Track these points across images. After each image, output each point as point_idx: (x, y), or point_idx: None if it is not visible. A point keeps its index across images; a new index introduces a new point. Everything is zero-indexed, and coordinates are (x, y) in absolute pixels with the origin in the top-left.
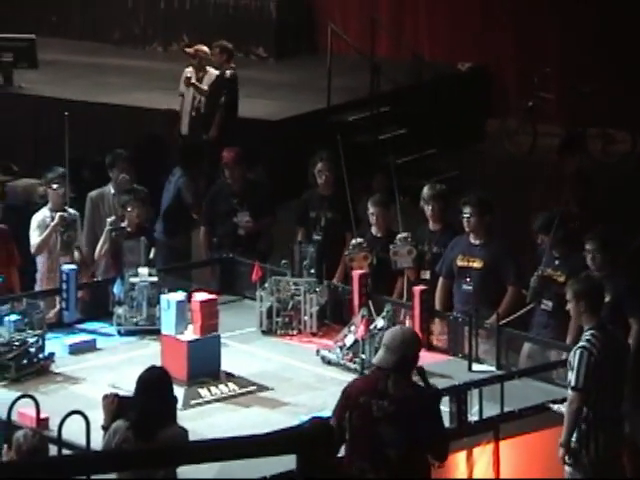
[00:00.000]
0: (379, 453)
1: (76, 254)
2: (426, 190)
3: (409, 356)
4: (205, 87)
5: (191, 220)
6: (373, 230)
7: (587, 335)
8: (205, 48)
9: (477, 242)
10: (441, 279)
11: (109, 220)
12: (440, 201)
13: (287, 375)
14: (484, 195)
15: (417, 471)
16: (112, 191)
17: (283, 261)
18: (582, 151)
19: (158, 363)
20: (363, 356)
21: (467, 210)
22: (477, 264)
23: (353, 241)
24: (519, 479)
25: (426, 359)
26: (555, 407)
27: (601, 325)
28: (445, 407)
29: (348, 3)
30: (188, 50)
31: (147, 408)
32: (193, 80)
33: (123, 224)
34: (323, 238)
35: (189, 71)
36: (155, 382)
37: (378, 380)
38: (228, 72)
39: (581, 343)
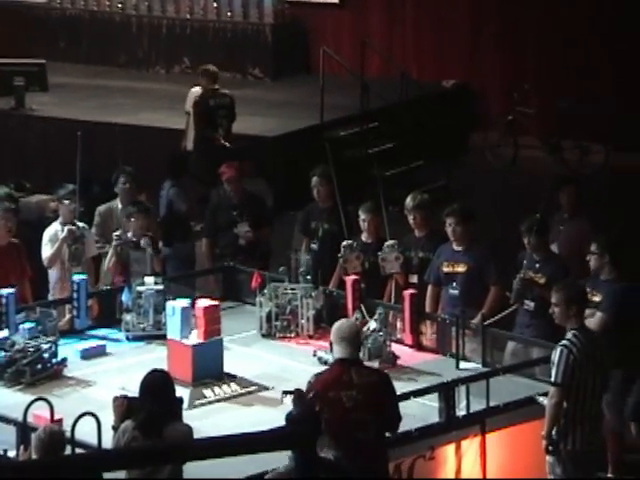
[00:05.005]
0: (351, 438)
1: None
2: (408, 200)
3: (360, 345)
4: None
5: (188, 228)
6: (364, 237)
7: (569, 335)
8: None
9: (460, 248)
10: (430, 286)
11: (115, 235)
12: (421, 210)
13: (286, 375)
14: (465, 205)
15: (381, 449)
16: (119, 205)
17: (281, 268)
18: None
19: (164, 367)
20: None
21: (450, 220)
22: (461, 268)
23: (344, 243)
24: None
25: (416, 358)
26: (540, 399)
27: (583, 326)
28: (434, 403)
29: (340, 26)
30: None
31: (151, 409)
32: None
33: (129, 234)
34: (320, 247)
35: (195, 91)
36: (157, 384)
37: (342, 372)
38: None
39: (563, 342)
